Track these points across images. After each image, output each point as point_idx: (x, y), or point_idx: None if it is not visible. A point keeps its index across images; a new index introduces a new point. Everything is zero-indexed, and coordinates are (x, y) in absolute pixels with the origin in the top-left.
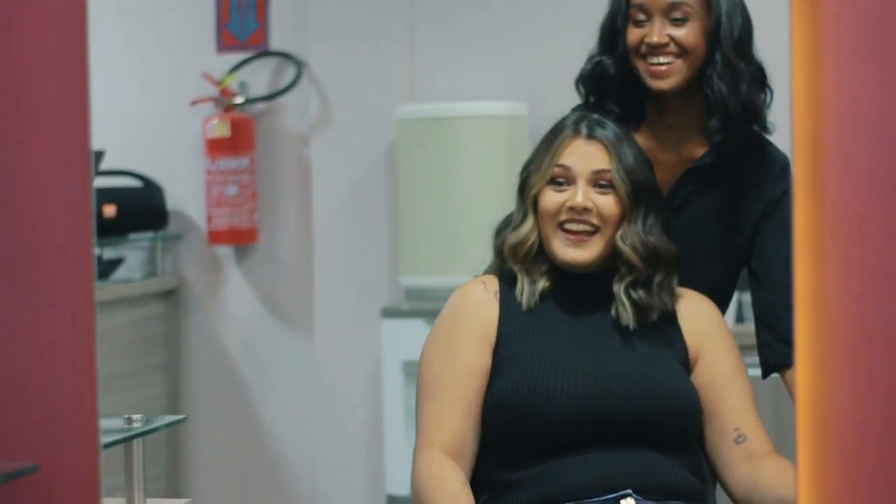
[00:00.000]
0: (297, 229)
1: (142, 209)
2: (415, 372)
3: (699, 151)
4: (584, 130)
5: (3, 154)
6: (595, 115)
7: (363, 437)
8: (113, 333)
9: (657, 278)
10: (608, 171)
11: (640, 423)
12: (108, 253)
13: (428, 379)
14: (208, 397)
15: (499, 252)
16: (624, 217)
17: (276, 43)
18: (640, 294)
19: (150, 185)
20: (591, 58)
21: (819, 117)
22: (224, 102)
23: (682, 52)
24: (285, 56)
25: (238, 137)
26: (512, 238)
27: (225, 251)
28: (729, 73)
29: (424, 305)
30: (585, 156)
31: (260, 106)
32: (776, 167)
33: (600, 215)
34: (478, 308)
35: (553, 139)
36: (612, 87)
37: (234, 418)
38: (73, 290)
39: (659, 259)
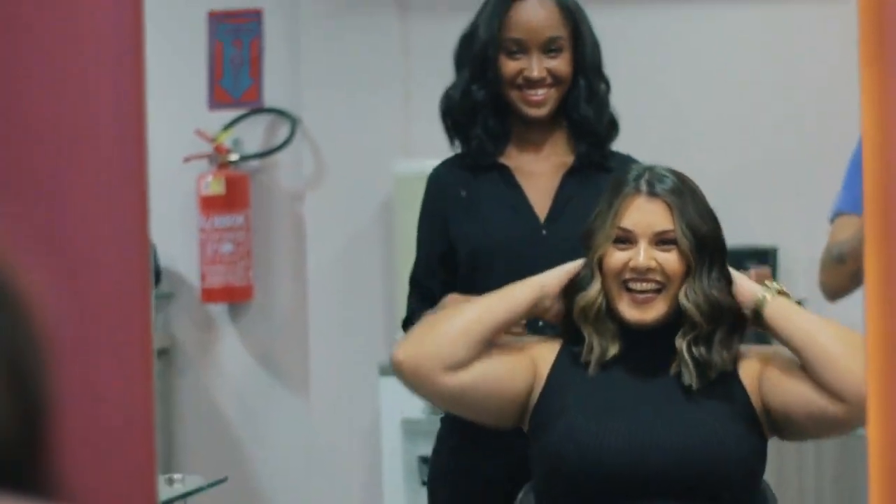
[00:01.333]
0: (292, 286)
1: None
2: (414, 430)
3: (569, 158)
4: (644, 187)
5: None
6: (657, 169)
7: (361, 496)
8: None
9: (718, 335)
10: (670, 230)
11: (693, 485)
12: None
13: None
14: (202, 456)
15: (568, 313)
16: (688, 272)
17: (269, 99)
18: (700, 351)
19: None
20: (456, 86)
21: (889, 168)
22: (218, 159)
23: (556, 81)
24: (279, 112)
25: (233, 194)
26: (581, 301)
27: (219, 309)
28: (594, 98)
29: None
30: (647, 215)
31: (254, 163)
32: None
33: (664, 273)
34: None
35: (615, 196)
36: (481, 115)
37: (229, 478)
38: (127, 345)
39: (722, 315)
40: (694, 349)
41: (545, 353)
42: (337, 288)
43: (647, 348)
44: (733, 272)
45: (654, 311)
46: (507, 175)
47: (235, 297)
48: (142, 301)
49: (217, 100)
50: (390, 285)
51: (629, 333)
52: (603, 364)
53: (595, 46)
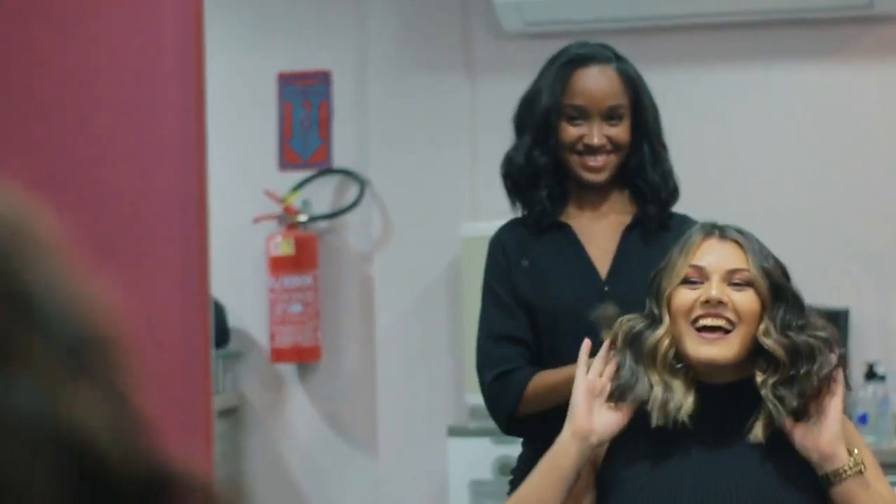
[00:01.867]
0: (360, 347)
1: None
2: (482, 491)
3: (627, 217)
4: (716, 232)
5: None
6: (728, 226)
7: None
8: None
9: (799, 378)
10: (744, 269)
11: None
12: None
13: None
14: None
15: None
16: (764, 312)
17: (338, 160)
18: (784, 392)
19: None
20: (518, 149)
21: None
22: (287, 220)
23: (616, 148)
24: (348, 173)
25: (301, 255)
26: (648, 342)
27: (287, 369)
28: (659, 164)
29: (491, 424)
30: (720, 255)
31: (323, 223)
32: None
33: (736, 310)
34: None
35: (685, 242)
36: (542, 178)
37: None
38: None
39: (802, 358)
40: (779, 390)
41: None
42: (404, 348)
43: (718, 410)
44: (844, 418)
45: (725, 349)
46: (568, 233)
47: (304, 358)
48: (203, 358)
49: (287, 160)
50: (458, 346)
51: (699, 391)
52: (667, 429)
53: (655, 113)
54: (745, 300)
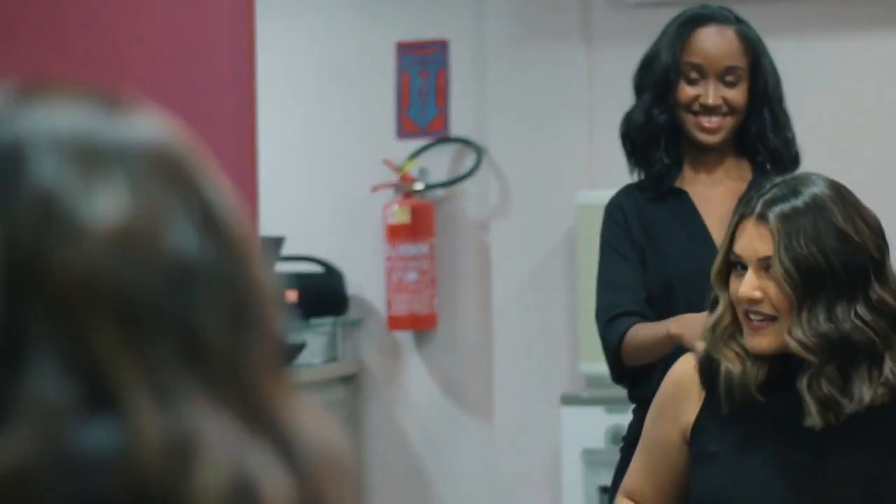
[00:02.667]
0: (477, 315)
1: (323, 294)
2: (594, 460)
3: (742, 184)
4: (751, 212)
5: None
6: (789, 182)
7: None
8: None
9: (846, 369)
10: (769, 257)
11: None
12: (291, 338)
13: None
14: (388, 482)
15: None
16: (798, 305)
17: (455, 129)
18: (823, 390)
19: (330, 270)
20: (637, 109)
21: None
22: (404, 188)
23: (731, 111)
24: (465, 142)
25: (418, 223)
26: (709, 323)
27: (404, 337)
28: (781, 130)
29: (604, 393)
30: (752, 241)
31: (439, 192)
32: None
33: (772, 304)
34: (679, 384)
35: (733, 216)
36: (661, 138)
37: (412, 502)
38: None
39: (836, 348)
40: (816, 387)
41: (691, 393)
42: (521, 317)
43: (783, 392)
44: None
45: (766, 339)
46: (685, 200)
47: (420, 325)
48: None
49: (404, 129)
50: (573, 315)
51: (779, 372)
52: (748, 412)
53: (776, 78)
54: (776, 292)
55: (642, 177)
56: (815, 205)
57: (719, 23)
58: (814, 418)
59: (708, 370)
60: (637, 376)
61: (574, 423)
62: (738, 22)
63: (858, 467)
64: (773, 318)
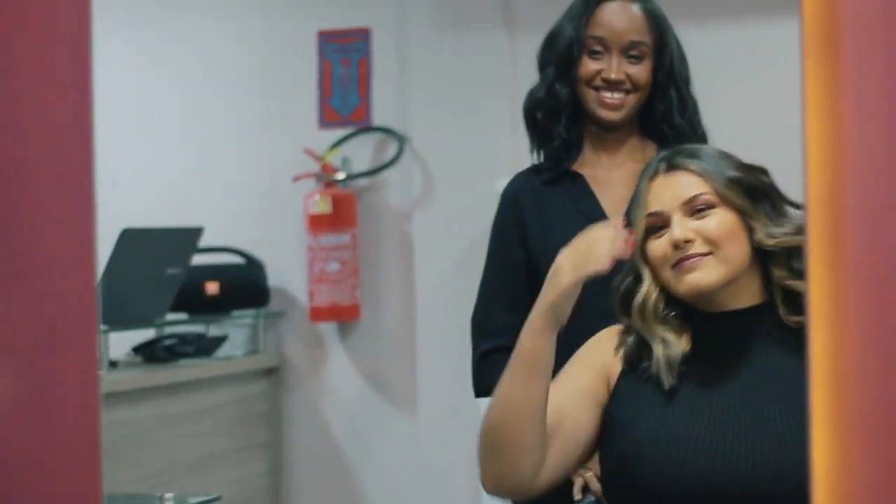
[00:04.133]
0: (400, 305)
1: (244, 286)
2: None
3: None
4: (660, 168)
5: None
6: (679, 150)
7: None
8: (216, 411)
9: (782, 269)
10: (701, 193)
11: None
12: (213, 330)
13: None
14: (311, 475)
15: (628, 324)
16: (749, 219)
17: (378, 118)
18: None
19: (251, 261)
20: (541, 85)
21: (836, 177)
22: (326, 178)
23: (634, 88)
24: (387, 131)
25: (340, 213)
26: (636, 304)
27: (327, 328)
28: (687, 111)
29: None
30: (672, 191)
31: (362, 181)
32: None
33: (707, 239)
34: (602, 345)
35: (637, 192)
36: (563, 114)
37: (336, 497)
38: (78, 374)
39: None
40: (792, 281)
41: (614, 362)
42: (444, 306)
43: (738, 335)
44: None
45: (705, 273)
46: (580, 183)
47: (343, 316)
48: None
49: (326, 119)
50: None
51: (700, 326)
52: (675, 369)
53: (682, 59)
54: (714, 223)
55: (541, 158)
56: (708, 149)
57: None
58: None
59: (630, 347)
60: None
61: None
62: (644, 2)
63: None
64: (706, 254)
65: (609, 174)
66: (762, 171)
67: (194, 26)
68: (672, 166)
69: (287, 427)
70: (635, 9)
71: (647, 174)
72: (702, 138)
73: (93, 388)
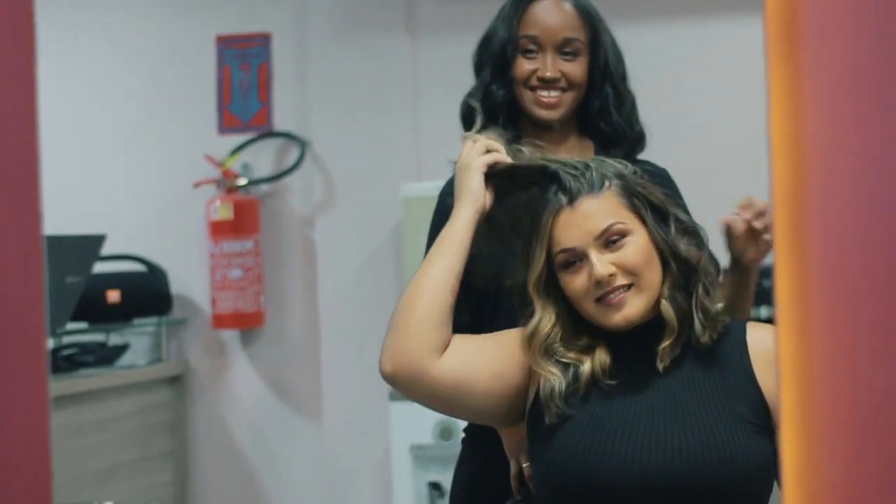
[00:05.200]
0: (304, 312)
1: (146, 294)
2: (423, 456)
3: None
4: (564, 201)
5: None
6: (575, 176)
7: None
8: (119, 421)
9: (699, 288)
10: (613, 223)
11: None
12: (114, 339)
13: None
14: (216, 483)
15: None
16: (655, 237)
17: (279, 123)
18: (681, 302)
19: (153, 269)
20: (478, 86)
21: (801, 174)
22: (227, 184)
23: (570, 86)
24: (289, 136)
25: (241, 219)
26: (527, 331)
27: (230, 335)
28: (624, 107)
29: None
30: (581, 225)
31: (264, 187)
32: (662, 175)
33: (627, 271)
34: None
35: (540, 229)
36: (501, 115)
37: (241, 502)
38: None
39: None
40: (678, 299)
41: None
42: (348, 313)
43: (630, 346)
44: None
45: (634, 307)
46: None
47: (246, 323)
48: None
49: (226, 125)
50: None
51: (607, 340)
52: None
53: (618, 56)
54: (630, 253)
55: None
56: (609, 163)
57: None
58: (663, 357)
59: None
60: None
61: (402, 420)
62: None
63: (704, 431)
64: (628, 287)
65: None
66: (648, 178)
67: (92, 30)
68: (574, 198)
69: (191, 435)
70: (567, 6)
71: (550, 209)
72: (639, 135)
73: (41, 396)
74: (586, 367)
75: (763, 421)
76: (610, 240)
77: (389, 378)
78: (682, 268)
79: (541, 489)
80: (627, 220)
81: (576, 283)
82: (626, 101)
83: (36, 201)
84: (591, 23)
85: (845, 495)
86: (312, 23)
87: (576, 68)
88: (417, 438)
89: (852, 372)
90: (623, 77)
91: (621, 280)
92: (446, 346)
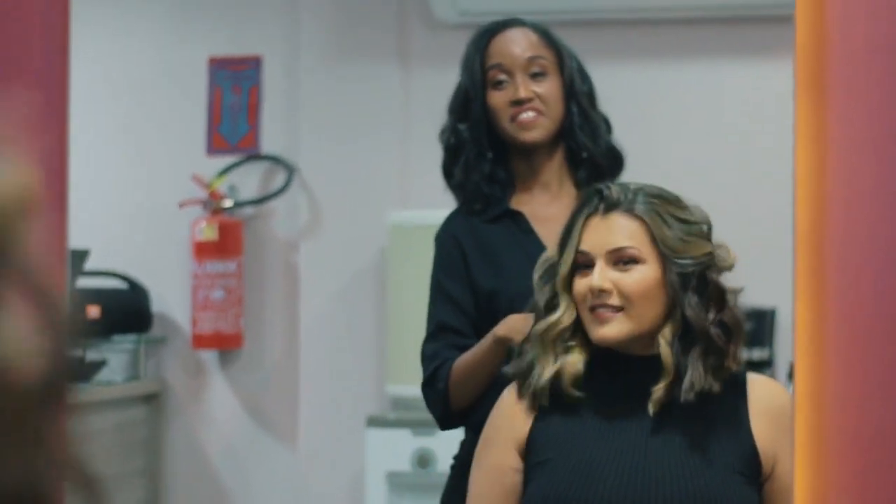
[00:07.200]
0: (284, 335)
1: (126, 311)
2: (399, 483)
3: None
4: (599, 209)
5: None
6: (622, 190)
7: None
8: (94, 437)
9: (696, 349)
10: (626, 247)
11: None
12: (91, 354)
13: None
14: (189, 501)
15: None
16: (670, 281)
17: (267, 146)
18: (678, 352)
19: (135, 286)
20: (462, 133)
21: (822, 213)
22: (213, 205)
23: (545, 107)
24: (276, 160)
25: (226, 241)
26: (542, 324)
27: (209, 356)
28: (588, 124)
29: (410, 415)
30: (602, 235)
31: (249, 210)
32: None
33: (621, 294)
34: (509, 409)
35: (571, 223)
36: (488, 153)
37: None
38: None
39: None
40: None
41: (522, 415)
42: (328, 338)
43: (625, 387)
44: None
45: (614, 328)
46: (521, 221)
47: (225, 344)
48: None
49: (215, 146)
50: (382, 336)
51: (607, 370)
52: (581, 417)
53: (583, 75)
54: (633, 280)
55: (478, 207)
56: (655, 199)
57: (515, 25)
58: (654, 402)
59: (529, 388)
60: (466, 414)
61: (379, 446)
62: (533, 25)
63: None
64: (619, 309)
65: (547, 210)
66: (700, 222)
67: (84, 48)
68: (609, 208)
69: (166, 455)
70: (527, 30)
71: (586, 209)
72: (610, 154)
73: None
74: (576, 358)
75: (753, 472)
76: (621, 259)
77: None
78: (685, 322)
79: None
80: (646, 251)
81: (580, 285)
82: (593, 121)
83: (63, 219)
84: (553, 44)
85: None
86: (304, 47)
87: (548, 87)
88: (394, 465)
89: (864, 409)
90: (590, 97)
91: (614, 300)
92: None
